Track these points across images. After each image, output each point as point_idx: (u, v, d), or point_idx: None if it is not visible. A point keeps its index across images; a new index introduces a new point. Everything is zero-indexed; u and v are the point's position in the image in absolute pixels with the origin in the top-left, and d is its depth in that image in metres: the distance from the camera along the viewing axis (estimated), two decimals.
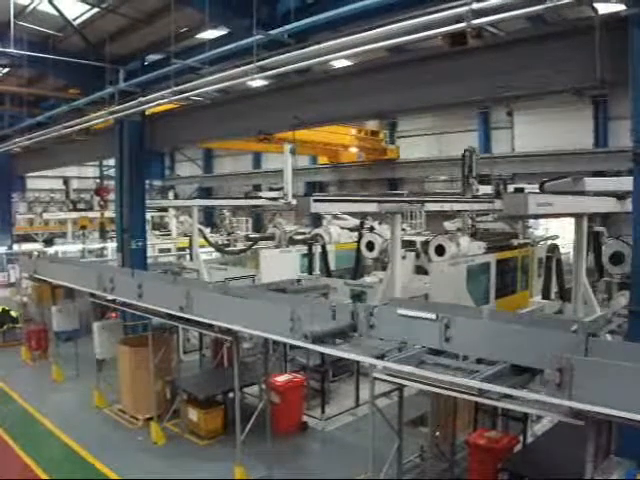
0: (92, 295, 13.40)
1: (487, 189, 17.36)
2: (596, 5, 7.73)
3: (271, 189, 32.06)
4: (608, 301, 15.35)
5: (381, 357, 7.56)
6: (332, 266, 20.44)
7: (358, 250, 19.34)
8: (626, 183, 11.30)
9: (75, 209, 32.94)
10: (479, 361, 7.48)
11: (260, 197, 27.34)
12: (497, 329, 7.75)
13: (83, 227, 31.13)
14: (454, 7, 7.42)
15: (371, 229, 20.15)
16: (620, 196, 12.25)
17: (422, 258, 18.32)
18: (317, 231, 22.46)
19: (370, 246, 18.79)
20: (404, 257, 17.01)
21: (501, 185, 16.16)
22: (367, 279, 18.14)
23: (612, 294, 15.77)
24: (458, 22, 7.39)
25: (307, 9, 11.41)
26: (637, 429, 5.90)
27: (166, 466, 10.83)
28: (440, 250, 16.86)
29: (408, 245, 19.25)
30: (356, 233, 21.20)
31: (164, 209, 32.82)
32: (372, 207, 14.34)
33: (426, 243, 17.91)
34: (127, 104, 14.15)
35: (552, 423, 9.46)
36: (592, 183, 11.66)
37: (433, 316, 7.96)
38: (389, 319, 8.41)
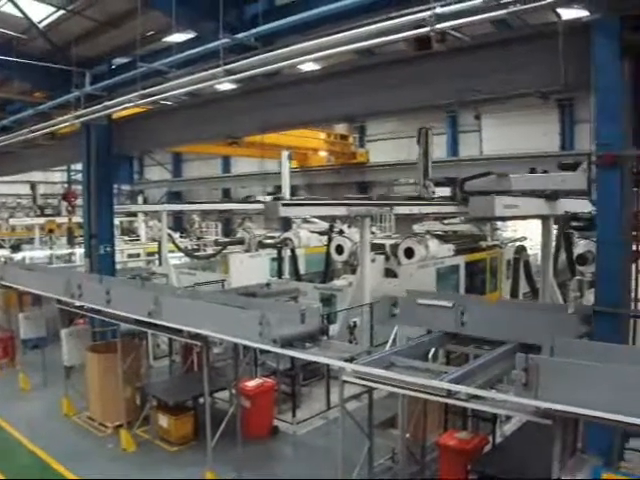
0: (59, 302, 13.27)
1: (446, 191, 17.21)
2: (559, 10, 7.82)
3: (268, 194, 32.26)
4: (580, 299, 15.60)
5: (350, 360, 7.58)
6: (302, 270, 20.48)
7: (327, 253, 19.36)
8: (556, 181, 11.35)
9: (42, 214, 32.56)
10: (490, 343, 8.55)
11: (259, 201, 27.41)
12: (506, 313, 9.01)
13: (50, 231, 30.74)
14: (418, 12, 7.48)
15: (340, 232, 20.19)
16: (550, 196, 12.21)
17: (391, 261, 18.38)
18: (286, 235, 22.44)
19: (339, 249, 18.82)
20: (373, 260, 17.06)
21: (458, 188, 16.03)
22: (337, 282, 18.16)
23: (583, 292, 16.02)
24: (422, 26, 7.44)
25: (275, 13, 11.40)
26: (603, 427, 5.99)
27: (136, 473, 10.71)
28: (409, 253, 16.92)
29: (377, 248, 19.31)
30: (326, 237, 21.26)
31: (133, 214, 32.59)
32: (341, 211, 14.41)
33: (395, 246, 17.96)
34: (93, 108, 14.02)
35: (521, 423, 9.53)
36: (519, 181, 11.63)
37: (450, 304, 9.05)
38: (410, 308, 9.47)
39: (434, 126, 30.82)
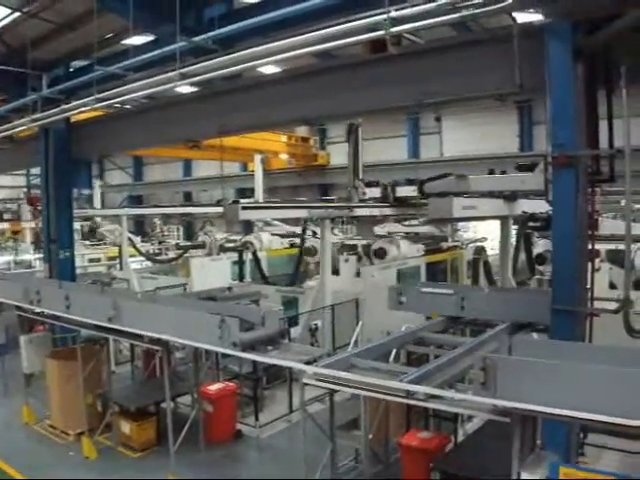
0: (18, 308, 13.07)
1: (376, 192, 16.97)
2: (515, 14, 7.93)
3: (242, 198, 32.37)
4: None
5: (310, 362, 7.60)
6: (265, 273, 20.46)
7: (300, 255, 19.41)
8: (515, 182, 11.57)
9: (1, 219, 32.04)
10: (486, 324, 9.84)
11: (220, 205, 27.38)
12: (499, 297, 10.27)
13: (15, 233, 30.18)
14: (374, 15, 7.53)
15: (314, 234, 20.26)
16: (508, 197, 12.35)
17: (364, 261, 18.51)
18: (247, 238, 22.41)
19: (312, 251, 18.99)
20: (347, 260, 17.28)
21: (389, 189, 15.77)
22: (310, 283, 18.23)
23: None
24: (377, 29, 7.49)
25: (233, 16, 11.38)
26: (561, 423, 6.09)
27: None
28: (381, 253, 17.12)
29: (350, 249, 19.51)
30: (287, 240, 21.38)
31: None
32: (301, 213, 14.42)
33: (368, 246, 18.16)
34: (50, 112, 13.85)
35: (483, 421, 9.64)
36: (478, 182, 11.80)
37: (451, 291, 10.23)
38: (415, 296, 10.53)
39: (396, 128, 31.25)
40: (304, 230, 20.32)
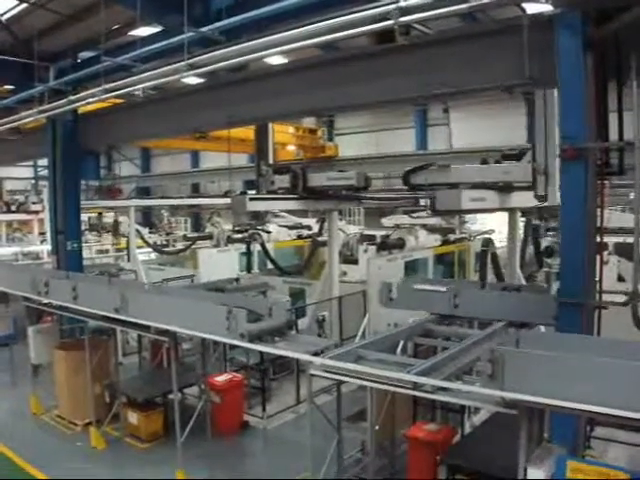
0: (26, 299, 13.11)
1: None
2: (524, 5, 7.87)
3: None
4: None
5: (317, 354, 7.59)
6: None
7: (315, 246, 19.44)
8: (498, 172, 11.23)
9: (9, 211, 32.02)
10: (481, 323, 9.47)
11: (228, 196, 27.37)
12: (494, 295, 9.88)
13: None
14: (382, 5, 7.48)
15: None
16: (503, 188, 11.79)
17: (382, 252, 18.59)
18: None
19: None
20: (366, 250, 17.34)
21: (300, 176, 14.20)
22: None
23: (551, 284, 16.22)
24: (386, 19, 7.44)
25: (239, 7, 11.34)
26: (569, 416, 6.07)
27: (106, 471, 10.67)
28: (400, 243, 17.26)
29: (369, 239, 19.61)
30: (294, 231, 21.43)
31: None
32: (307, 205, 14.36)
33: (387, 237, 18.21)
34: (57, 103, 13.85)
35: (490, 413, 9.62)
36: (460, 172, 11.47)
37: (443, 289, 9.73)
38: (407, 293, 10.06)
39: (403, 120, 31.12)
40: (323, 221, 20.30)
